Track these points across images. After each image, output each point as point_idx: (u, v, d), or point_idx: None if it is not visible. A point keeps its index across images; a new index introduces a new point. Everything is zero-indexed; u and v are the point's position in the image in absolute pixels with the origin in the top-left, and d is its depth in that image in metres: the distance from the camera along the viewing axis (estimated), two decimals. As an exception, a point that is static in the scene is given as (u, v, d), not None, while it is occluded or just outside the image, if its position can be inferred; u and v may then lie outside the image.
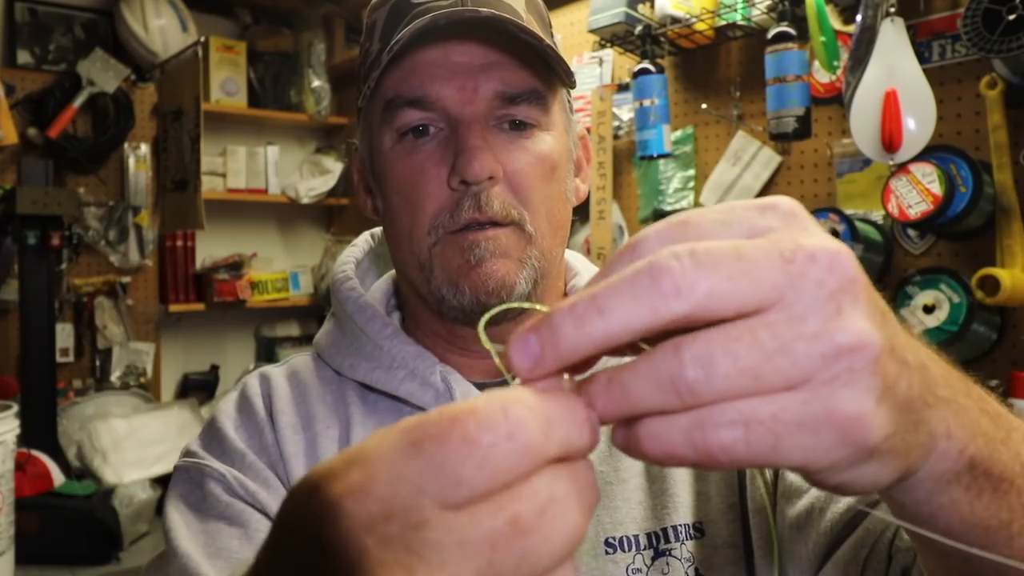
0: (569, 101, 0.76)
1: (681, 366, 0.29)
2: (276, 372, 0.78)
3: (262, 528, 0.65)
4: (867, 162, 1.77)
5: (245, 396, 0.75)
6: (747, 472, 0.68)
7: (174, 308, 3.09)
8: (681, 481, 0.69)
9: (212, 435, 0.73)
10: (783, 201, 0.33)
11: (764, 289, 0.29)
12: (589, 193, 1.56)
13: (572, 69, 0.71)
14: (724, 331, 0.29)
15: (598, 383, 0.30)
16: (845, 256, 0.30)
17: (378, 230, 0.86)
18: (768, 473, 0.68)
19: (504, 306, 0.41)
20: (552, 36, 0.73)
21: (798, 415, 0.29)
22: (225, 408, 0.75)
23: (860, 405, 0.30)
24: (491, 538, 0.27)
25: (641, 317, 0.29)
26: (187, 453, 0.73)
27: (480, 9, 0.64)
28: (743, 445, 0.29)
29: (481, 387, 0.73)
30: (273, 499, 0.67)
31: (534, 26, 0.68)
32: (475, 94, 0.66)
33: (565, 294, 0.79)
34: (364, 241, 0.85)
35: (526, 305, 0.41)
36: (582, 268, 0.82)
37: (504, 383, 0.72)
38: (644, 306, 0.28)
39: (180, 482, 0.71)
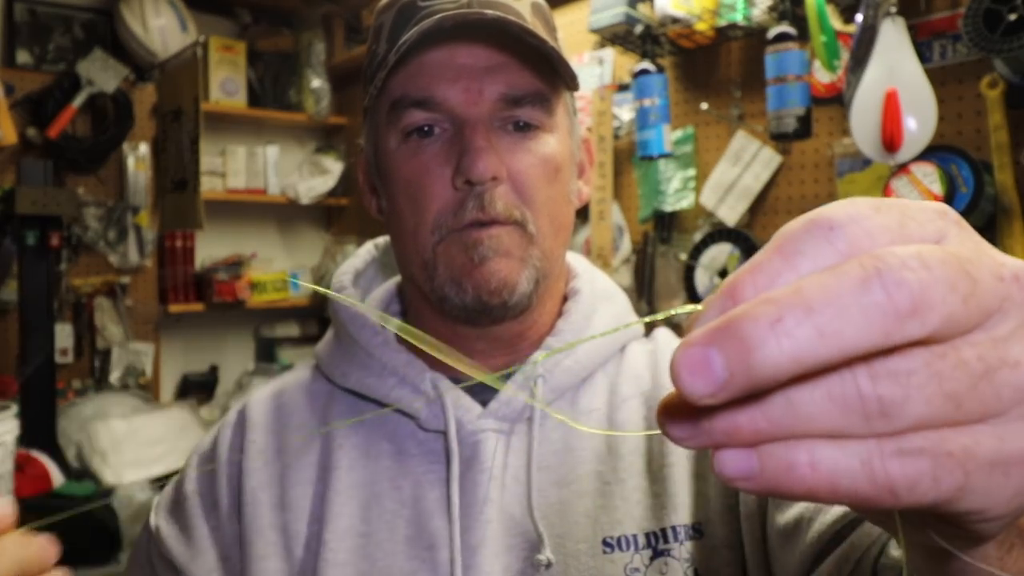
0: (573, 104, 0.77)
1: (874, 381, 0.24)
2: (258, 400, 0.80)
3: None
4: (868, 162, 1.77)
5: (215, 439, 0.79)
6: None
7: (174, 308, 3.09)
8: (680, 482, 0.69)
9: (175, 499, 0.77)
10: (946, 207, 0.28)
11: (984, 310, 0.25)
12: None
13: (574, 71, 0.72)
14: (929, 348, 0.24)
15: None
16: None
17: (382, 239, 0.87)
18: None
19: (667, 313, 0.29)
20: (556, 39, 0.74)
21: (993, 451, 0.25)
22: (193, 458, 0.79)
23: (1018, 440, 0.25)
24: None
25: (868, 342, 0.23)
26: (156, 507, 0.78)
27: (485, 12, 0.64)
28: (929, 480, 0.24)
29: (478, 389, 0.73)
30: (187, 552, 0.72)
31: (539, 29, 0.69)
32: (480, 96, 0.67)
33: (565, 297, 0.79)
34: (367, 251, 0.86)
35: (687, 309, 0.27)
36: (583, 270, 0.82)
37: (511, 377, 0.71)
38: (875, 328, 0.23)
39: (139, 538, 0.78)
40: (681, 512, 0.68)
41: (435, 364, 0.73)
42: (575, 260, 0.83)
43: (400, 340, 0.76)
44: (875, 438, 0.24)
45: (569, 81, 0.71)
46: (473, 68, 0.67)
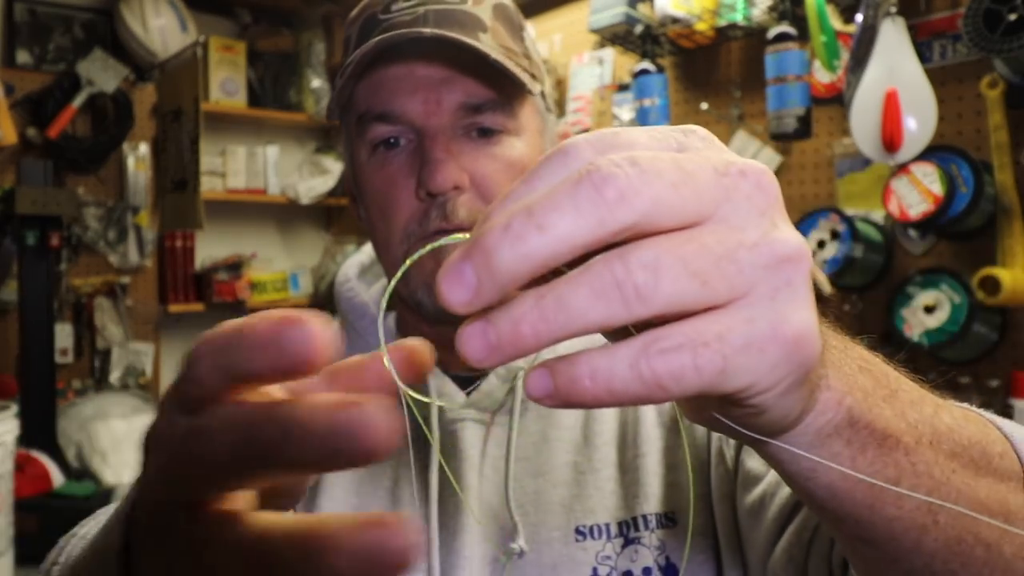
0: (545, 101, 0.77)
1: (627, 270, 0.27)
2: None
3: None
4: (868, 162, 1.77)
5: None
6: (711, 462, 0.70)
7: (173, 308, 3.09)
8: (653, 472, 0.71)
9: None
10: (699, 128, 0.32)
11: (704, 200, 0.28)
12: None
13: (536, 74, 0.73)
14: (669, 237, 0.28)
15: (525, 303, 0.27)
16: (770, 175, 0.30)
17: None
18: (729, 460, 0.69)
19: (429, 247, 0.34)
20: (522, 38, 0.75)
21: (744, 334, 0.28)
22: None
23: (804, 320, 0.29)
24: None
25: (585, 230, 0.27)
26: None
27: (424, 31, 0.66)
28: (692, 371, 0.27)
29: (462, 379, 0.75)
30: None
31: (499, 32, 0.71)
32: (439, 106, 0.68)
33: None
34: (371, 247, 0.89)
35: (455, 239, 0.31)
36: None
37: (484, 375, 0.73)
38: (588, 217, 0.27)
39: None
40: (652, 501, 0.69)
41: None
42: None
43: (398, 330, 0.80)
44: (637, 339, 0.28)
45: (524, 87, 0.69)
46: (431, 80, 0.68)
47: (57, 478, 2.24)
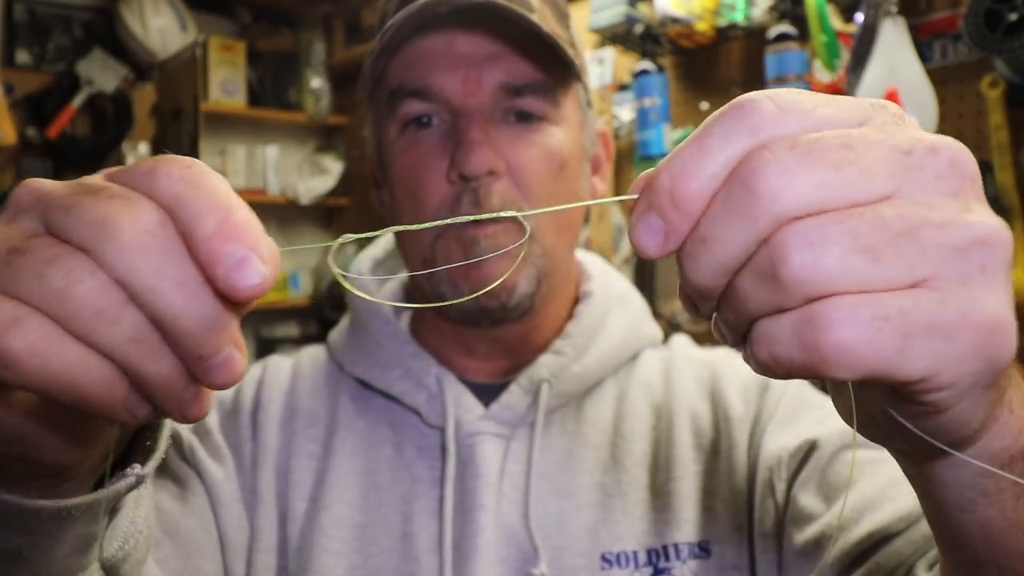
0: (587, 96, 0.73)
1: (784, 251, 0.25)
2: (282, 362, 0.79)
3: (199, 492, 0.66)
4: (868, 162, 1.77)
5: (240, 384, 0.76)
6: (756, 492, 0.65)
7: (173, 308, 3.08)
8: (687, 497, 0.66)
9: (197, 428, 0.74)
10: (892, 104, 0.29)
11: (879, 179, 0.26)
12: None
13: (580, 61, 0.69)
14: (842, 211, 0.26)
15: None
16: (966, 153, 0.27)
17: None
18: (779, 493, 0.63)
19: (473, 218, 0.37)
20: (568, 27, 0.71)
21: (932, 314, 0.25)
22: (215, 403, 0.76)
23: (1001, 309, 0.26)
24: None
25: (743, 240, 0.26)
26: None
27: None
28: (864, 345, 0.25)
29: (482, 388, 0.71)
30: (220, 471, 0.68)
31: (547, 16, 0.66)
32: (478, 86, 0.64)
33: (576, 299, 0.76)
34: (386, 240, 0.84)
35: (507, 215, 0.35)
36: (597, 272, 0.79)
37: (505, 385, 0.70)
38: (744, 225, 0.26)
39: None
40: (686, 528, 0.64)
41: (443, 359, 0.72)
42: (590, 261, 0.80)
43: (411, 332, 0.75)
44: (810, 309, 0.25)
45: (573, 70, 0.67)
46: (472, 56, 0.64)
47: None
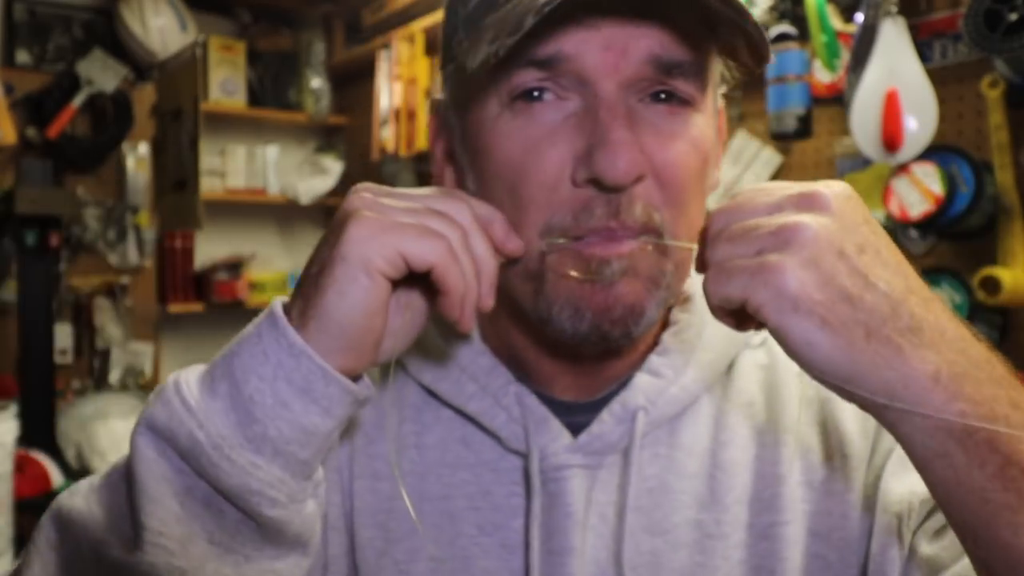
0: (719, 72, 0.61)
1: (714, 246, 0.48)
2: None
3: None
4: (868, 162, 1.77)
5: None
6: (875, 539, 0.59)
7: (173, 309, 3.08)
8: (794, 542, 0.59)
9: None
10: (824, 194, 0.47)
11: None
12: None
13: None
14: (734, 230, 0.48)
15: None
16: (833, 194, 0.47)
17: None
18: (907, 545, 0.57)
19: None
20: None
21: (745, 263, 0.45)
22: None
23: (782, 260, 0.44)
24: None
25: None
26: None
27: None
28: (711, 283, 0.47)
29: (566, 408, 0.62)
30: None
31: None
32: (623, 55, 0.51)
33: (665, 323, 0.65)
34: None
35: (669, 243, 0.55)
36: (696, 290, 0.66)
37: (593, 405, 0.63)
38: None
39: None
40: None
41: (519, 364, 0.63)
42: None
43: (483, 338, 0.64)
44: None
45: (762, 50, 0.53)
46: (615, 24, 0.52)
47: (57, 478, 2.24)
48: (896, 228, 1.73)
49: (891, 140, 1.50)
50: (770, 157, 1.98)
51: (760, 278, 0.44)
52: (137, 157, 3.00)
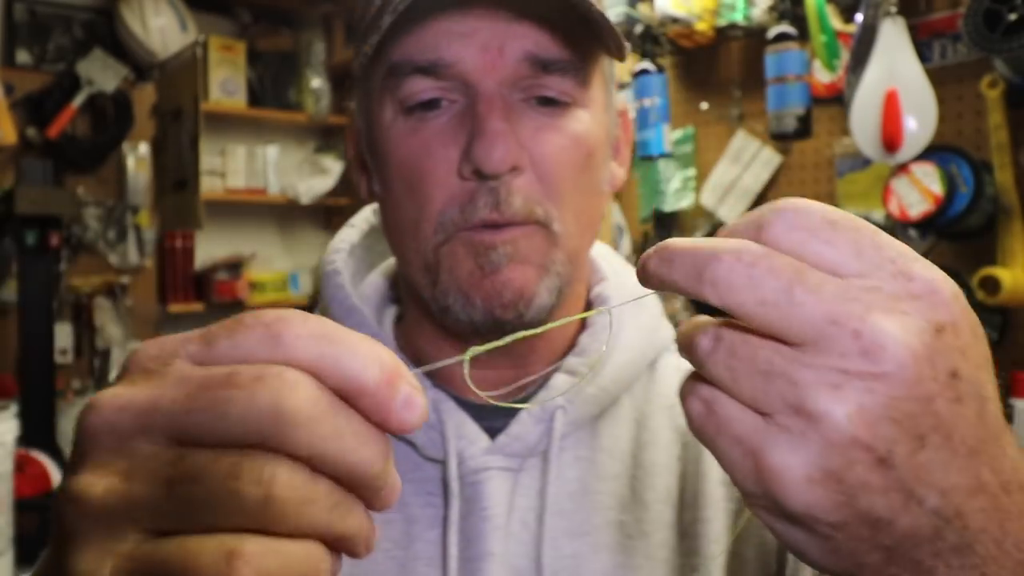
0: (611, 71, 0.63)
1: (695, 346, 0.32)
2: None
3: None
4: (867, 162, 1.77)
5: None
6: (789, 558, 0.58)
7: (173, 308, 3.09)
8: (717, 540, 0.59)
9: None
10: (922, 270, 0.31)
11: (796, 327, 0.29)
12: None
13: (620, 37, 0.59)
14: (747, 338, 0.30)
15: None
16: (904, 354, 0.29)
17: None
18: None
19: (500, 342, 0.35)
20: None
21: (742, 431, 0.30)
22: None
23: (787, 461, 0.29)
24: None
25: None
26: None
27: None
28: (694, 420, 0.32)
29: (484, 411, 0.61)
30: None
31: None
32: (500, 56, 0.54)
33: (588, 303, 0.67)
34: (363, 220, 0.74)
35: (532, 332, 0.36)
36: (611, 271, 0.69)
37: (524, 403, 0.62)
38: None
39: None
40: (715, 574, 0.58)
41: (439, 379, 0.62)
42: (602, 257, 0.71)
43: (398, 342, 0.65)
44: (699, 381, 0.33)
45: (614, 49, 0.57)
46: (492, 25, 0.54)
47: (57, 478, 2.24)
48: (896, 228, 1.73)
49: (891, 140, 1.50)
50: (770, 157, 1.98)
51: (750, 463, 0.30)
52: (137, 157, 3.00)
